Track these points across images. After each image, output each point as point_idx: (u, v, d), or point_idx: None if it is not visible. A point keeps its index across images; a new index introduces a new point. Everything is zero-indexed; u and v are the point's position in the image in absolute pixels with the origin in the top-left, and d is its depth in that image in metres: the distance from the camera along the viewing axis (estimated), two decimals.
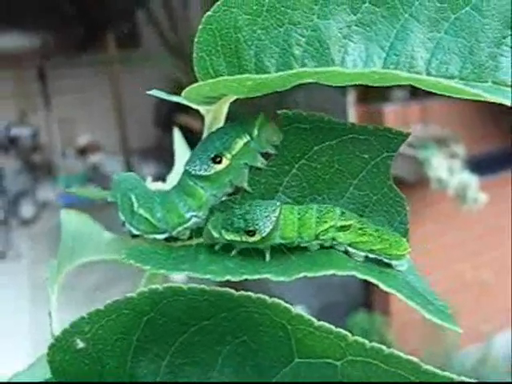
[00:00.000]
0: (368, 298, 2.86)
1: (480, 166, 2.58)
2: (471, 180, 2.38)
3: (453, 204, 2.44)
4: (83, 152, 5.26)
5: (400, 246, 0.31)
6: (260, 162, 0.33)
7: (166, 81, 3.38)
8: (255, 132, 0.33)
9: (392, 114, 2.56)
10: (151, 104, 5.04)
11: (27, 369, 0.42)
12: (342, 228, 0.31)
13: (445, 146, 2.55)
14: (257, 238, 0.31)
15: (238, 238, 0.31)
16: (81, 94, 5.28)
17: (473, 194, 2.36)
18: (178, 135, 0.46)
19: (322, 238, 0.31)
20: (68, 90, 5.17)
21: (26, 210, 4.70)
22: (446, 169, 2.42)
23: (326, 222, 0.31)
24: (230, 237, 0.31)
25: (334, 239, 0.31)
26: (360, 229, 0.31)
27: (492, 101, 0.27)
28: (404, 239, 0.31)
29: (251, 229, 0.30)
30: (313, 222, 0.31)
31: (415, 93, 2.68)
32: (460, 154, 2.53)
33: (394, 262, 0.31)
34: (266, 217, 0.31)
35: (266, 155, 0.34)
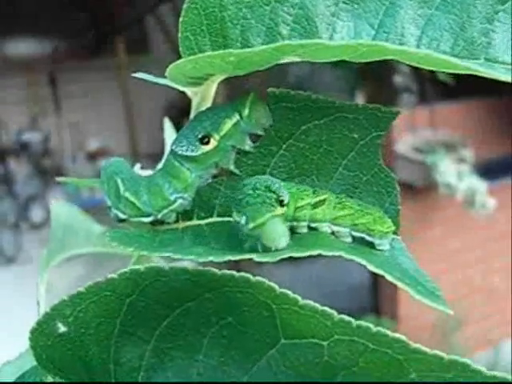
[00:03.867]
0: (376, 303, 2.84)
1: (489, 170, 2.56)
2: (480, 185, 2.37)
3: (461, 209, 2.42)
4: (93, 156, 5.28)
5: (384, 223, 0.30)
6: (247, 145, 0.33)
7: None
8: (246, 111, 0.32)
9: (400, 119, 2.55)
10: (161, 108, 5.05)
11: (18, 358, 0.41)
12: (318, 204, 0.30)
13: (453, 150, 2.54)
14: (284, 208, 0.29)
15: (273, 213, 0.29)
16: (91, 98, 5.31)
17: (481, 199, 2.34)
18: (167, 124, 0.46)
19: (297, 215, 0.30)
20: (78, 95, 5.20)
21: (36, 214, 4.73)
22: (455, 174, 2.41)
23: (302, 198, 0.30)
24: (267, 215, 0.28)
25: (313, 219, 0.30)
26: (339, 203, 0.30)
27: (487, 76, 0.26)
28: (388, 218, 0.30)
29: (282, 198, 0.29)
30: (291, 200, 0.30)
31: (424, 97, 2.67)
32: (468, 159, 2.51)
33: (376, 241, 0.30)
34: (280, 186, 0.29)
35: (253, 138, 0.33)
